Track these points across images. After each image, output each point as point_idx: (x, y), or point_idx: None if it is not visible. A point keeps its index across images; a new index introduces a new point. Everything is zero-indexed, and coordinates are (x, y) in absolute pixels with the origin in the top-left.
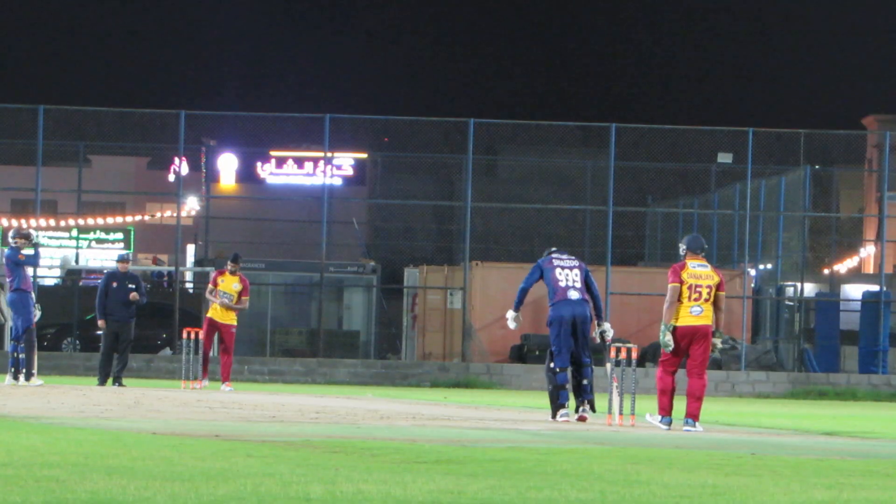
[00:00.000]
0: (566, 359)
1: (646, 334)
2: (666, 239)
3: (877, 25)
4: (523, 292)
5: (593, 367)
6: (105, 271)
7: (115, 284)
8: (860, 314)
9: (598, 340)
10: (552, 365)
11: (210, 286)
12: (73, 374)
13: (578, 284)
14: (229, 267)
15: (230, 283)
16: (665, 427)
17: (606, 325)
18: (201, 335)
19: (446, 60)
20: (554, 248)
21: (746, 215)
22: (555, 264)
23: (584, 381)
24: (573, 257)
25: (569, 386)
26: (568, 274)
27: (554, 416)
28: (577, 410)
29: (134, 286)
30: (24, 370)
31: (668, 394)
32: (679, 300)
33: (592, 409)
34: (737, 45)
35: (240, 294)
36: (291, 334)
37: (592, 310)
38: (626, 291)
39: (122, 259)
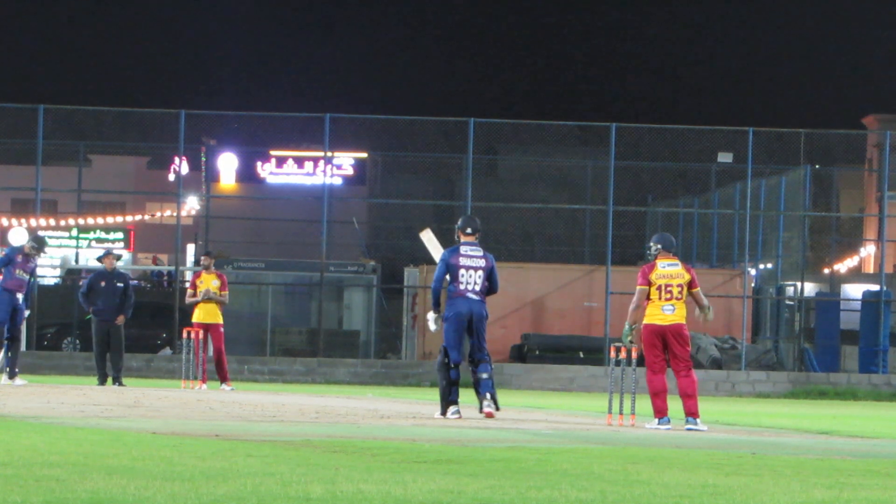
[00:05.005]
0: (459, 354)
1: None
2: None
3: (877, 25)
4: (437, 293)
5: (491, 364)
6: (93, 270)
7: (103, 283)
8: (860, 314)
9: None
10: (446, 361)
11: (189, 290)
12: (73, 374)
13: (478, 287)
14: (203, 262)
15: (209, 281)
16: (665, 428)
17: None
18: (197, 336)
19: (446, 60)
20: (469, 230)
21: (746, 215)
22: (461, 263)
23: (484, 376)
24: (480, 251)
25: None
26: (472, 275)
27: (444, 412)
28: (480, 408)
29: (122, 284)
30: (7, 368)
31: (660, 395)
32: (650, 300)
33: (496, 403)
34: (737, 45)
35: (219, 290)
36: (291, 334)
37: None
38: (625, 291)
39: (105, 255)
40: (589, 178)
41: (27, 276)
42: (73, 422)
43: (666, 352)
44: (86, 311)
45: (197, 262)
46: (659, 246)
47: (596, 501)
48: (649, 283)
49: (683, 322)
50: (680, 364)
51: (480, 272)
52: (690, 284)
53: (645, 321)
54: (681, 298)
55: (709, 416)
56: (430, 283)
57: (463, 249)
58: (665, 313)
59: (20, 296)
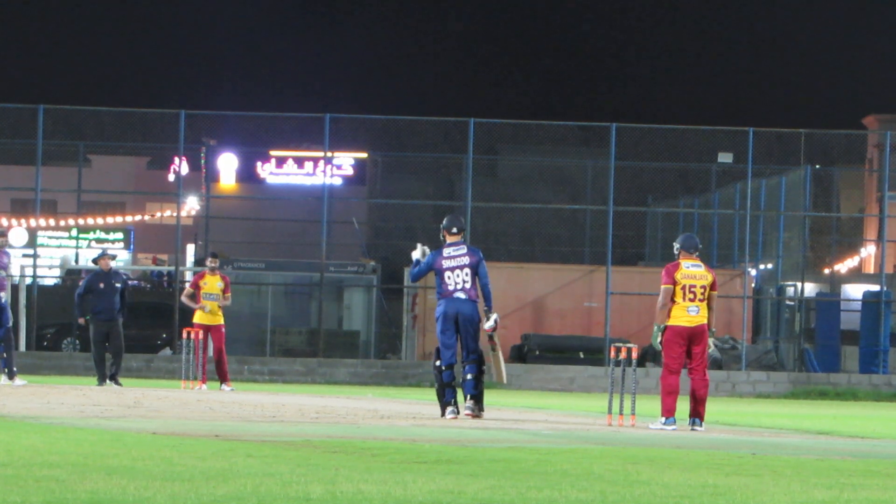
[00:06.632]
0: (452, 356)
1: (646, 334)
2: (666, 239)
3: (877, 25)
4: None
5: (481, 364)
6: (90, 271)
7: (101, 285)
8: (861, 314)
9: (487, 328)
10: (438, 363)
11: (189, 289)
12: (73, 374)
13: (468, 285)
14: (209, 264)
15: (213, 283)
16: (671, 429)
17: (492, 316)
18: (198, 337)
19: (446, 60)
20: (455, 229)
21: (747, 215)
22: (445, 266)
23: (468, 377)
24: (463, 248)
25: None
26: (458, 274)
27: (443, 413)
28: (465, 408)
29: (120, 284)
30: (5, 370)
31: (673, 395)
32: (674, 301)
33: (479, 406)
34: (737, 45)
35: (223, 292)
36: (291, 334)
37: (482, 305)
38: (626, 291)
39: (101, 256)
40: (589, 178)
41: (3, 272)
42: (73, 422)
43: (685, 352)
44: (80, 315)
45: (197, 263)
46: (678, 246)
47: (596, 502)
48: (674, 283)
49: (706, 322)
50: (697, 364)
51: (466, 269)
52: (712, 286)
53: (670, 322)
54: (704, 300)
55: (710, 417)
56: (430, 284)
57: (446, 251)
58: (690, 314)
59: (3, 294)
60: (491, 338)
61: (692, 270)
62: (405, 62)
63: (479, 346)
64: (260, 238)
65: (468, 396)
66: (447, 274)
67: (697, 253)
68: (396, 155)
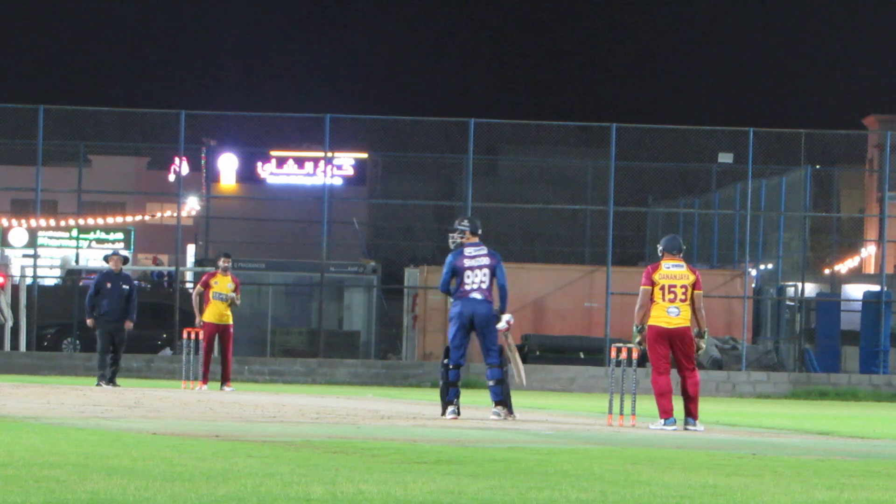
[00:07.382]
0: (461, 357)
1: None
2: None
3: (877, 25)
4: (444, 293)
5: (504, 367)
6: (99, 271)
7: (109, 285)
8: (861, 314)
9: (501, 328)
10: (445, 361)
11: (199, 287)
12: (73, 374)
13: (485, 286)
14: (222, 264)
15: (224, 284)
16: (671, 429)
17: (505, 317)
18: (202, 337)
19: (446, 60)
20: (481, 231)
21: (747, 215)
22: (465, 265)
23: (491, 383)
24: (483, 249)
25: (460, 383)
26: (477, 274)
27: (443, 413)
28: (492, 413)
29: (128, 287)
30: None
31: (666, 395)
32: (654, 301)
33: (509, 410)
34: (737, 45)
35: (234, 292)
36: (292, 334)
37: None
38: (626, 291)
39: (113, 254)
40: (589, 179)
41: None
42: (74, 422)
43: (670, 352)
44: (88, 316)
45: (198, 263)
46: (660, 247)
47: (596, 502)
48: (653, 284)
49: (688, 325)
50: (684, 365)
51: (486, 270)
52: (694, 286)
53: (650, 322)
54: (685, 300)
55: (710, 417)
56: (431, 284)
57: (467, 251)
58: (670, 316)
59: None
60: (506, 338)
61: (672, 270)
62: (405, 62)
63: (498, 346)
64: (260, 238)
65: (496, 402)
66: (467, 273)
67: (681, 253)
68: (396, 155)
